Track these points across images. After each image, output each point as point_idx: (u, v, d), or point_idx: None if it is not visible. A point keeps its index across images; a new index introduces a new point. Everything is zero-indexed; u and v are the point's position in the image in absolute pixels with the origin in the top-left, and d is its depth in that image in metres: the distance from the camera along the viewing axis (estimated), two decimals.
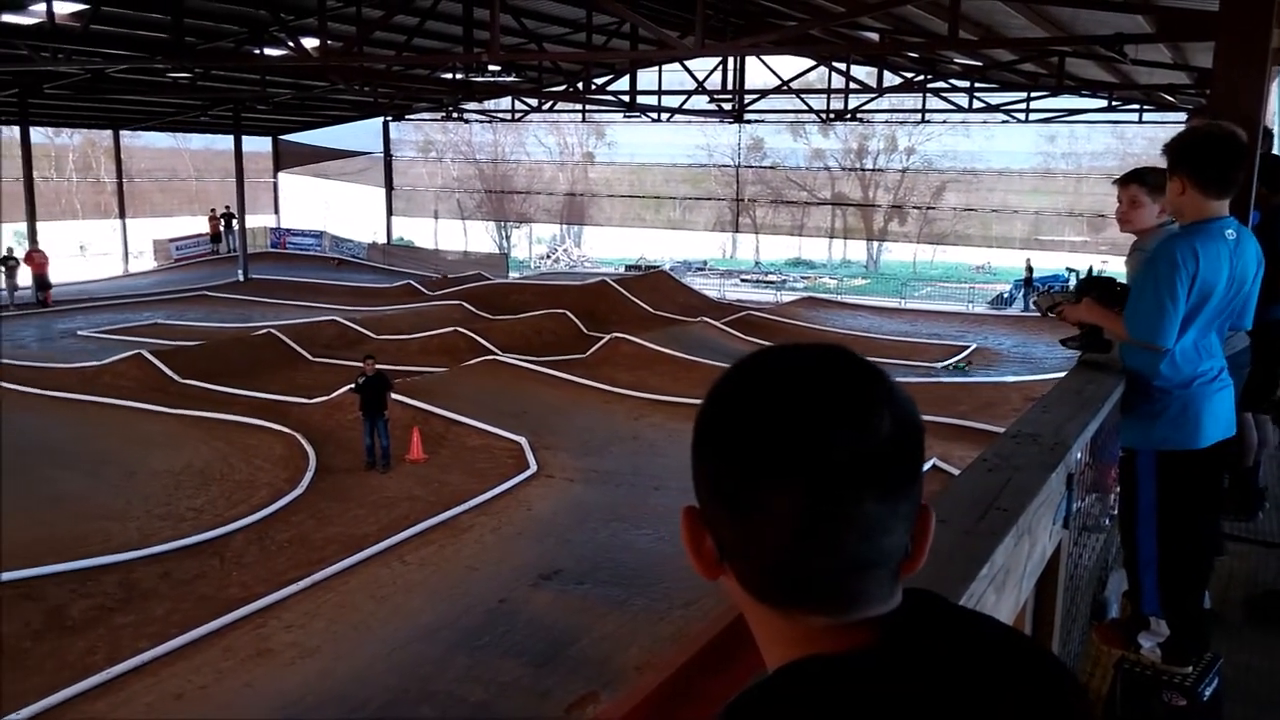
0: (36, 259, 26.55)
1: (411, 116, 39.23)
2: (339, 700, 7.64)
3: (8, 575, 9.07)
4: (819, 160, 37.16)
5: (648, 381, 17.82)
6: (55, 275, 27.63)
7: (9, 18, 18.15)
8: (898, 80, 26.93)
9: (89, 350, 20.40)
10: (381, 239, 40.69)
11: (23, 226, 28.54)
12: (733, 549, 0.88)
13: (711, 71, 26.99)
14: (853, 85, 26.41)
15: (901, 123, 34.30)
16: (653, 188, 38.80)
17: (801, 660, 0.86)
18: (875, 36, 19.67)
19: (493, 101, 34.45)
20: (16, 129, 28.65)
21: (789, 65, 26.18)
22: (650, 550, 10.87)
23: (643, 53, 23.02)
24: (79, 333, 22.48)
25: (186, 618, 8.93)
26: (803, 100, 28.84)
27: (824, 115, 30.56)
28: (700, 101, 29.28)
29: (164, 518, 11.45)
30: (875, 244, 41.75)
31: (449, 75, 24.82)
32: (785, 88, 25.97)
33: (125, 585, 9.46)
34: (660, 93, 28.38)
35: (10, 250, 27.00)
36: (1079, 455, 2.80)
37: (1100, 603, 4.26)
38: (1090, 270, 3.85)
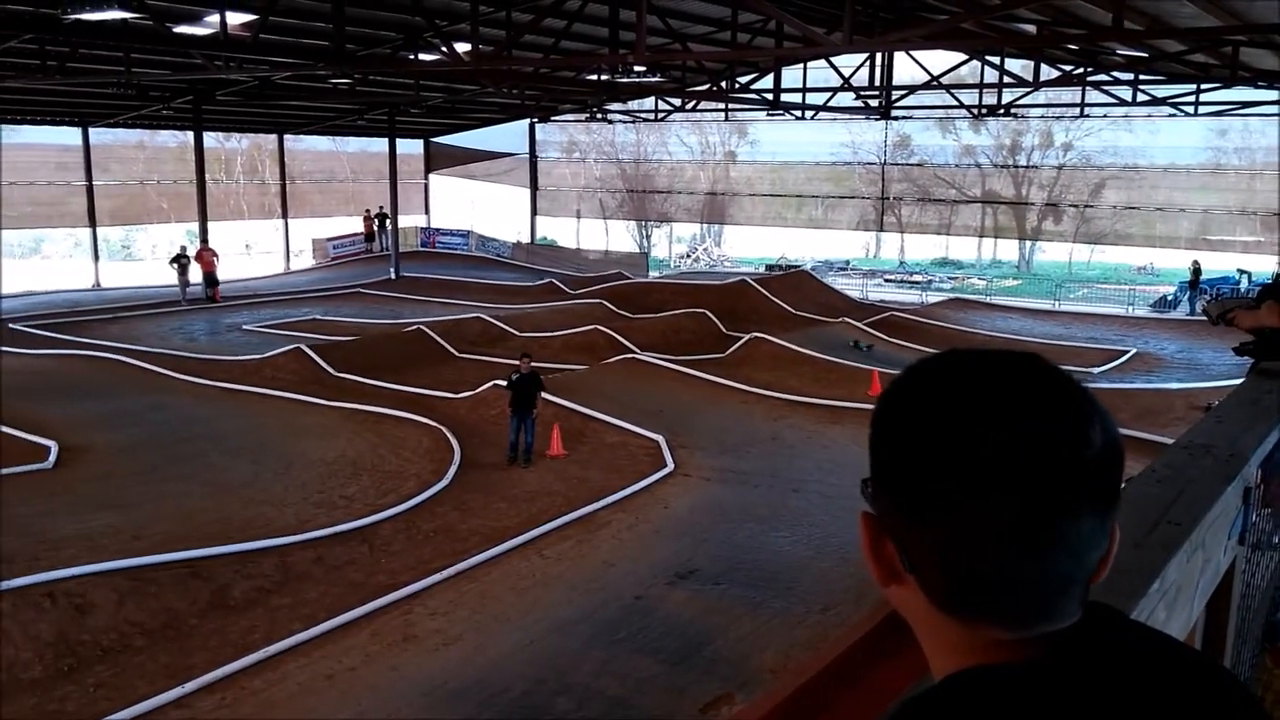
0: (206, 257, 28.17)
1: (556, 118, 39.95)
2: (480, 687, 7.81)
3: (184, 554, 9.62)
4: (969, 157, 36.01)
5: (787, 382, 17.62)
6: (223, 273, 29.26)
7: (185, 29, 19.33)
8: (1055, 74, 25.82)
9: (252, 344, 21.54)
10: (525, 238, 41.59)
11: (195, 226, 30.35)
12: (920, 558, 0.85)
13: (858, 68, 26.49)
14: (1007, 79, 25.49)
15: (1058, 117, 32.85)
16: (795, 186, 38.37)
17: (972, 669, 0.83)
18: (1032, 29, 18.93)
19: (636, 101, 34.73)
20: (191, 134, 30.50)
21: (939, 60, 25.46)
22: (788, 553, 10.74)
23: (788, 50, 22.77)
24: (244, 327, 23.75)
25: (337, 602, 9.29)
26: (953, 96, 27.99)
27: (975, 111, 29.56)
28: (846, 99, 28.80)
29: (318, 505, 11.95)
30: (1028, 243, 40.21)
31: (594, 76, 25.13)
32: (935, 83, 25.27)
33: (282, 568, 9.91)
34: (805, 90, 28.03)
35: (183, 249, 28.75)
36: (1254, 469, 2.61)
37: (1273, 625, 4.22)
38: (1278, 275, 3.58)
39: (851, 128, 36.06)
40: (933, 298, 31.85)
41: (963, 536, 0.81)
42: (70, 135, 31.05)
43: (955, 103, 28.81)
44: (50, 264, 43.53)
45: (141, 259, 46.53)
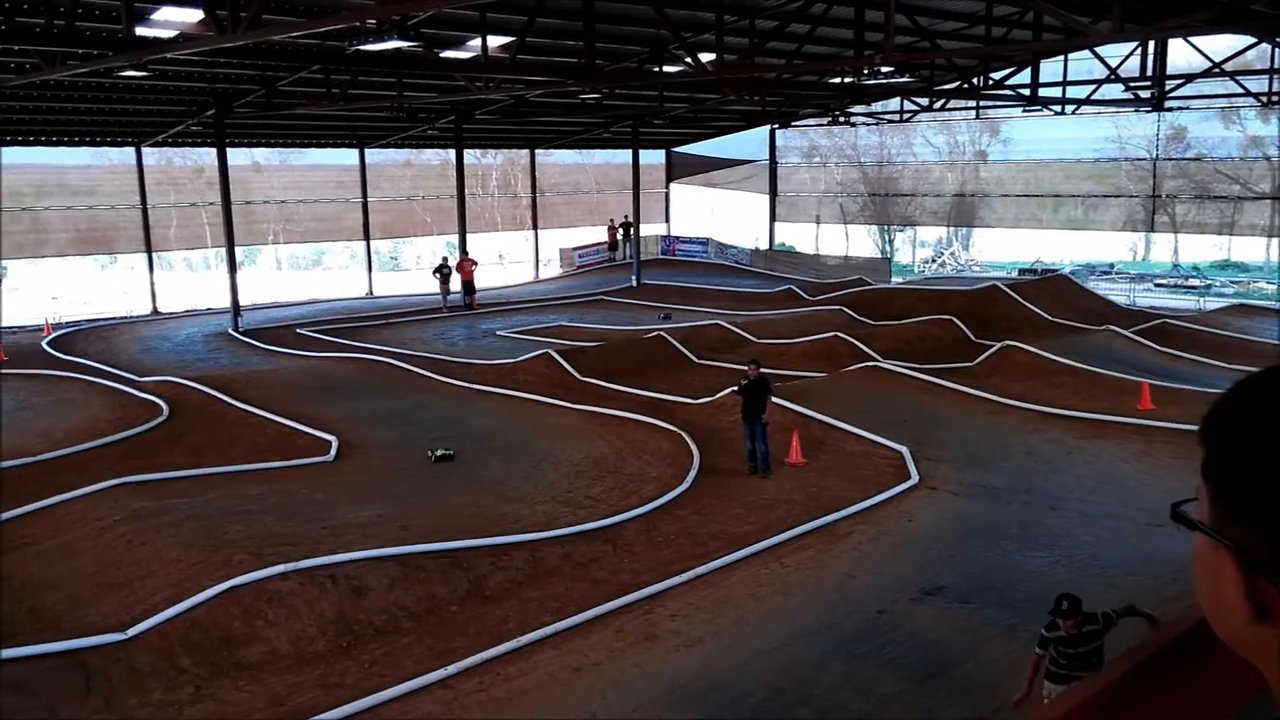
0: (466, 267, 29.99)
1: (797, 123, 39.69)
2: (720, 690, 7.86)
3: (448, 545, 10.28)
4: (1256, 149, 32.69)
5: (1043, 393, 16.64)
6: (479, 281, 31.07)
7: (450, 53, 20.68)
8: None
9: (505, 348, 22.72)
10: (764, 245, 41.55)
11: (455, 238, 32.38)
12: None
13: (1127, 57, 24.73)
14: None
15: None
16: (1051, 186, 36.22)
17: None
18: None
19: (881, 103, 33.93)
20: (452, 152, 32.60)
21: (1221, 44, 23.31)
22: (1044, 574, 10.13)
23: (1048, 42, 21.52)
24: (497, 333, 25.09)
25: (583, 598, 9.63)
26: (1238, 83, 25.55)
27: (1265, 99, 26.82)
28: (1112, 90, 26.88)
29: (565, 504, 12.43)
30: None
31: (837, 80, 24.78)
32: (1217, 70, 23.16)
33: (533, 562, 10.38)
34: (1065, 84, 26.48)
35: (445, 260, 30.74)
36: None
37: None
38: None
39: (1118, 121, 33.68)
40: (1212, 304, 29.14)
41: None
42: (348, 156, 33.99)
43: (1240, 90, 26.28)
44: (330, 274, 47.75)
45: (407, 269, 50.16)
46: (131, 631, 8.48)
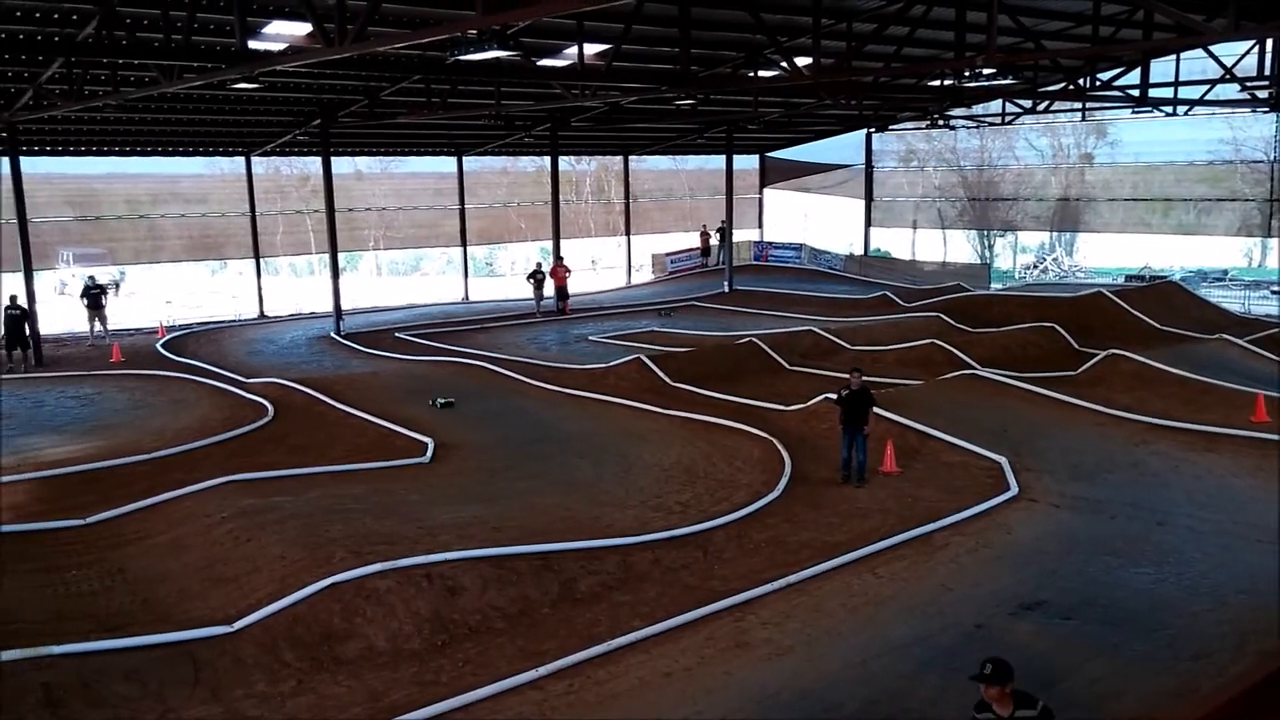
0: (559, 273, 30.33)
1: (894, 127, 39.11)
2: (811, 700, 7.77)
3: (540, 547, 10.41)
4: None
5: (1151, 404, 16.05)
6: (572, 287, 31.37)
7: (547, 61, 20.95)
8: None
9: (596, 353, 22.89)
10: (858, 250, 41.04)
11: (549, 244, 32.76)
12: None
13: (1243, 55, 23.72)
14: None
15: None
16: (1161, 189, 34.94)
17: None
18: None
19: (981, 105, 33.18)
20: (547, 159, 33.00)
21: None
22: (1151, 591, 9.77)
23: (1159, 41, 20.78)
24: (589, 338, 25.29)
25: (674, 603, 9.62)
26: None
27: None
28: (1227, 90, 25.82)
29: (655, 509, 12.45)
30: None
31: (936, 82, 24.34)
32: None
33: (624, 567, 10.42)
34: (1177, 84, 25.51)
35: (539, 265, 31.13)
36: None
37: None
38: None
39: (1233, 122, 32.38)
40: None
41: None
42: (446, 164, 34.71)
43: None
44: (427, 280, 48.78)
45: (502, 274, 50.96)
46: (238, 625, 8.78)
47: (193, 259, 34.14)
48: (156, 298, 37.31)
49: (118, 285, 36.19)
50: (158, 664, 8.27)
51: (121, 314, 28.90)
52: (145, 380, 20.61)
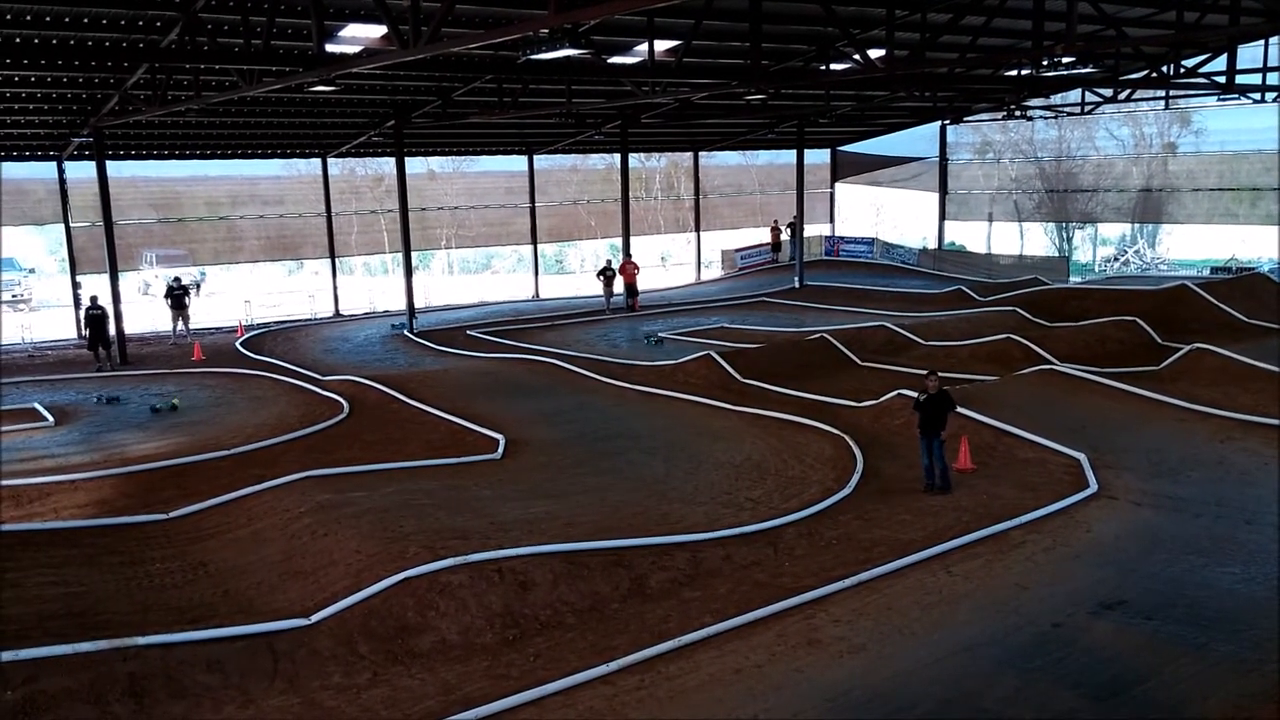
0: (629, 269, 30.41)
1: (970, 118, 38.42)
2: (884, 699, 7.68)
3: (611, 543, 10.45)
4: None
5: (1238, 400, 15.53)
6: (642, 283, 31.42)
7: (617, 59, 21.00)
8: None
9: (666, 350, 22.90)
10: (932, 244, 40.40)
11: (618, 241, 32.89)
12: None
13: None
14: None
15: None
16: (1249, 179, 33.74)
17: None
18: None
19: (1059, 95, 32.40)
20: (617, 156, 33.09)
21: None
22: (1236, 592, 9.45)
23: (1246, 26, 20.03)
24: (660, 334, 25.31)
25: (744, 600, 9.58)
26: None
27: None
28: None
29: (726, 505, 12.41)
30: None
31: (1013, 72, 23.83)
32: None
33: (694, 563, 10.41)
34: (1265, 70, 24.63)
35: (609, 263, 31.26)
36: None
37: None
38: None
39: None
40: None
41: None
42: (517, 163, 35.03)
43: None
44: (498, 277, 49.31)
45: (572, 271, 51.26)
46: (315, 617, 8.97)
47: (270, 259, 35.01)
48: (236, 297, 38.32)
49: (199, 285, 37.26)
50: (239, 655, 8.48)
51: (203, 313, 29.76)
52: (225, 378, 21.22)
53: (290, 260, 40.19)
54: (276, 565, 10.52)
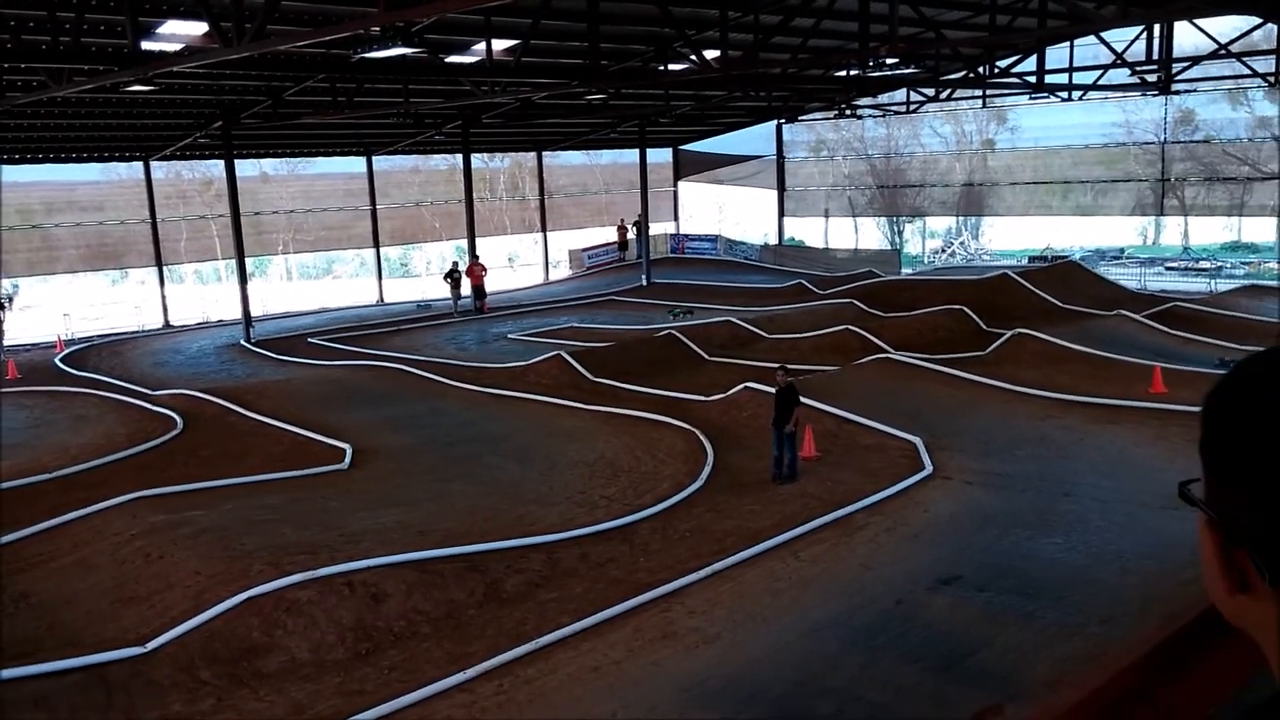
0: (476, 271, 30.06)
1: (804, 117, 39.63)
2: (738, 686, 7.86)
3: (465, 549, 10.32)
4: (1265, 130, 32.48)
5: (1056, 380, 16.59)
6: (489, 285, 31.11)
7: (455, 58, 20.72)
8: None
9: (516, 351, 22.77)
10: (773, 240, 41.50)
11: (464, 243, 32.47)
12: None
13: (1133, 41, 24.60)
14: None
15: None
16: (1060, 172, 36.06)
17: None
18: None
19: (886, 95, 33.85)
20: (459, 156, 32.65)
21: (1226, 26, 23.17)
22: (1059, 560, 10.11)
23: (1053, 29, 21.43)
24: (508, 336, 25.14)
25: (601, 598, 9.63)
26: (1244, 64, 25.40)
27: (1272, 79, 26.65)
28: (1119, 75, 26.77)
29: (581, 504, 12.45)
30: None
31: (842, 73, 24.73)
32: (1223, 52, 23.03)
33: (550, 564, 10.40)
34: (1071, 70, 26.36)
35: (455, 264, 30.81)
36: None
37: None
38: None
39: (1125, 106, 33.52)
40: (1223, 285, 28.99)
41: None
42: (356, 164, 34.10)
43: (1247, 71, 26.12)
44: (340, 283, 47.89)
45: (417, 275, 50.24)
46: (151, 645, 8.53)
47: (91, 269, 32.91)
48: (54, 310, 35.93)
49: (11, 299, 34.73)
50: (68, 690, 7.99)
51: (16, 329, 27.78)
52: (44, 397, 19.86)
53: (113, 270, 37.89)
54: (108, 592, 9.94)
